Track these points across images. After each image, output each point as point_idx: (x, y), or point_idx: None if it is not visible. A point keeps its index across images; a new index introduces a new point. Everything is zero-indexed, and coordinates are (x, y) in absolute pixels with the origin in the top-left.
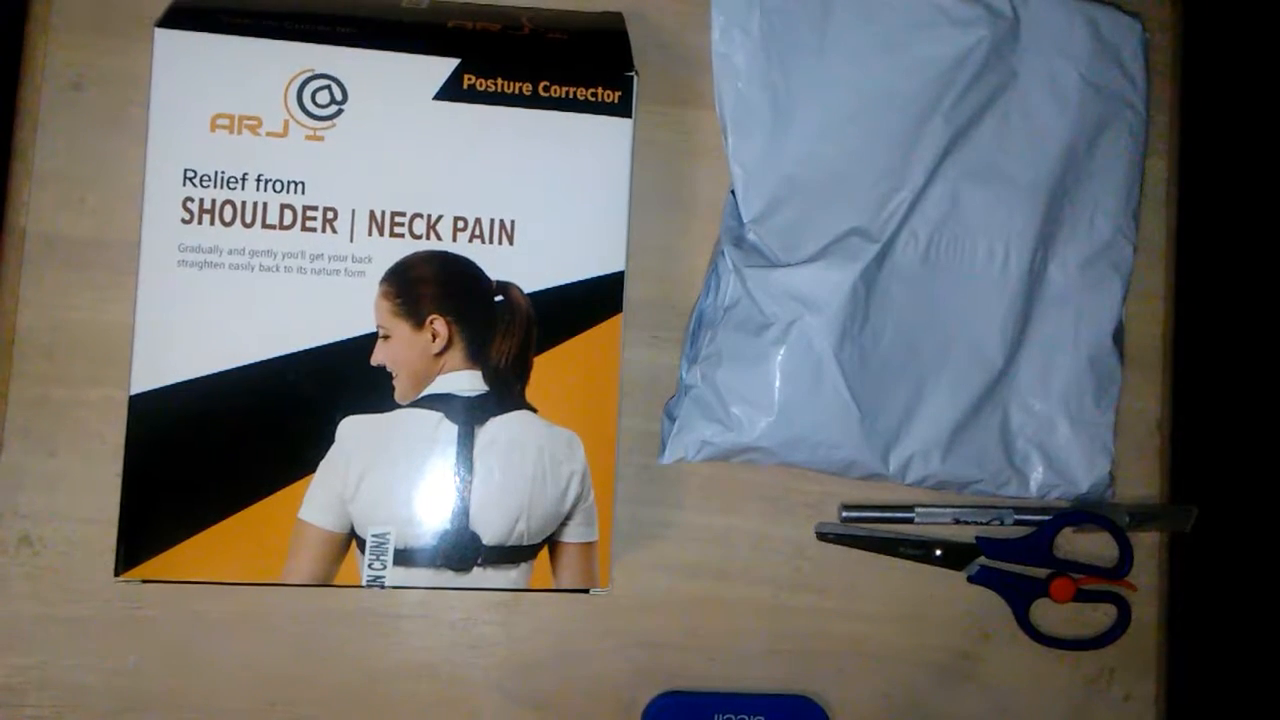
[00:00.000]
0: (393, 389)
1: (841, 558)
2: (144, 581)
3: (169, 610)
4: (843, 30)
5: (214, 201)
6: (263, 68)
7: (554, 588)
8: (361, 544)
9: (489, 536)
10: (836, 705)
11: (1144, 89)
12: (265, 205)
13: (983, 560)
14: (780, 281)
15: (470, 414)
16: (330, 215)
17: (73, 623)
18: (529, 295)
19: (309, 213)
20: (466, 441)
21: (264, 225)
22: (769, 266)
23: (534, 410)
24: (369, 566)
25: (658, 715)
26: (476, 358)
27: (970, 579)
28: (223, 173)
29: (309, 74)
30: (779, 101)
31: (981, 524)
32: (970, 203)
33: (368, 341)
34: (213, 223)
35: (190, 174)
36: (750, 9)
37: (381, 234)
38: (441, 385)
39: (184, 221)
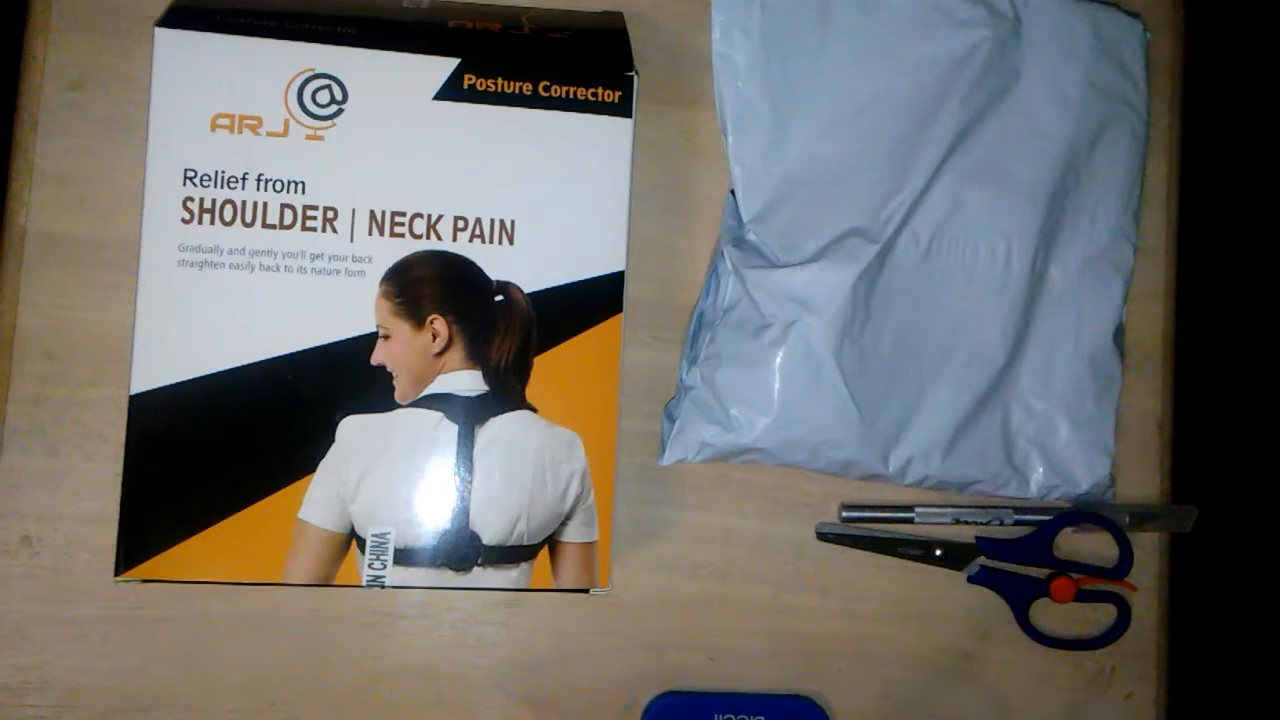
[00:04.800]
0: (393, 389)
1: (841, 558)
2: (144, 581)
3: (169, 610)
4: (843, 30)
5: (214, 201)
6: (263, 67)
7: (554, 588)
8: (361, 544)
9: (489, 536)
10: (836, 705)
11: (1145, 89)
12: (265, 205)
13: (983, 560)
14: (780, 282)
15: (470, 414)
16: (330, 215)
17: (73, 623)
18: (529, 295)
19: (309, 212)
20: (466, 441)
21: (264, 225)
22: (769, 267)
23: (534, 410)
24: (369, 566)
25: (658, 715)
26: (477, 357)
27: (970, 579)
28: (223, 172)
29: (309, 74)
30: (779, 101)
31: (981, 524)
32: (971, 203)
33: (368, 341)
34: (213, 222)
35: (190, 174)
36: (750, 9)
37: (381, 234)
38: (441, 385)
39: (184, 221)
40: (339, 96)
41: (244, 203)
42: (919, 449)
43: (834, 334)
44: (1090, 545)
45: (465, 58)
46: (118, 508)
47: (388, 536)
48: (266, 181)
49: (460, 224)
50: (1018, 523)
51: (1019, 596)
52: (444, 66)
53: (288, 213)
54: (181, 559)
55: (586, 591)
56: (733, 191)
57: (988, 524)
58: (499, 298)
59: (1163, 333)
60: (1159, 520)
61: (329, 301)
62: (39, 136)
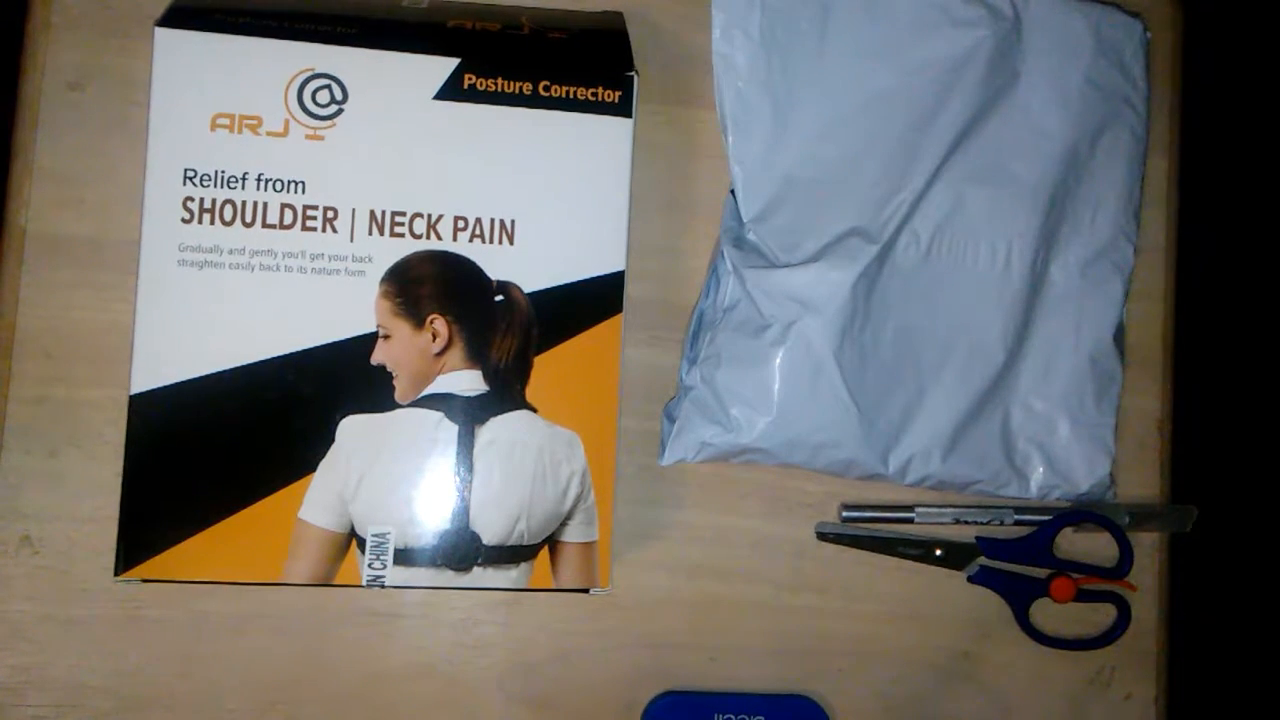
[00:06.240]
0: (393, 389)
1: (841, 558)
2: (144, 581)
3: (169, 610)
4: (843, 30)
5: (214, 201)
6: (263, 67)
7: (554, 588)
8: (361, 544)
9: (489, 536)
10: (836, 705)
11: (1145, 89)
12: (265, 205)
13: (983, 560)
14: (779, 282)
15: (470, 414)
16: (330, 215)
17: (73, 623)
18: (529, 295)
19: (309, 212)
20: (466, 441)
21: (264, 225)
22: (768, 267)
23: (534, 410)
24: (369, 566)
25: (658, 715)
26: (477, 357)
27: (970, 579)
28: (223, 172)
29: (309, 73)
30: (779, 101)
31: (981, 524)
32: (972, 203)
33: (368, 341)
34: (213, 222)
35: (190, 174)
36: (751, 9)
37: (382, 234)
38: (441, 385)
39: (184, 221)
40: (339, 96)
41: (244, 203)
42: (919, 449)
43: (834, 334)
44: (1090, 545)
45: (465, 58)
46: (118, 508)
47: (388, 536)
48: (266, 181)
49: (460, 224)
50: (1018, 523)
51: (1019, 596)
52: (444, 66)
53: (288, 213)
54: (181, 559)
55: (586, 591)
56: (733, 191)
57: (988, 524)
58: (499, 298)
59: (1163, 333)
60: (1159, 520)
61: (329, 301)
62: (39, 136)
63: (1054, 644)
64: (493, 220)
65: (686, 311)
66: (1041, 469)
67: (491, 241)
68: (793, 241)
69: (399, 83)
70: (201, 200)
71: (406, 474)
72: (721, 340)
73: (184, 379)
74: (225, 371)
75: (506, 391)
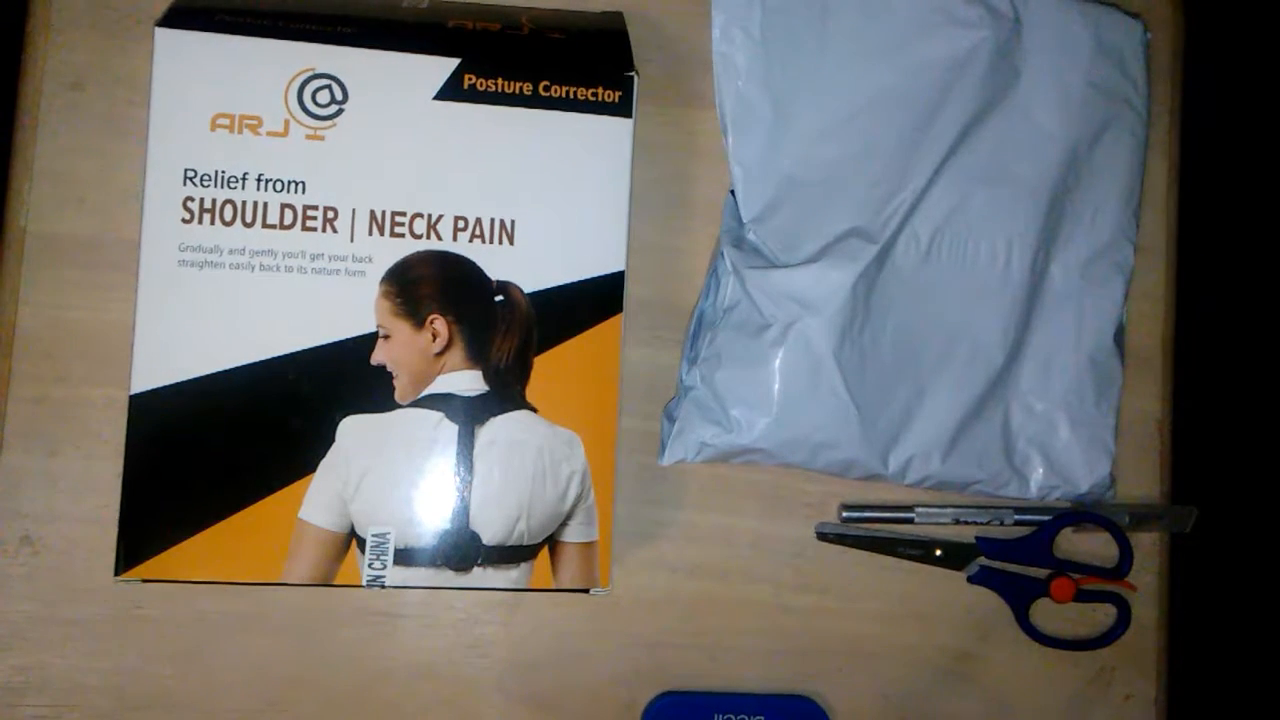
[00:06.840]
0: (393, 389)
1: (841, 558)
2: (144, 581)
3: (169, 610)
4: (843, 30)
5: (214, 201)
6: (263, 67)
7: (554, 588)
8: (361, 544)
9: (489, 536)
10: (836, 705)
11: (1145, 89)
12: (265, 205)
13: (983, 560)
14: (779, 282)
15: (470, 414)
16: (330, 215)
17: (73, 623)
18: (529, 295)
19: (309, 212)
20: (466, 441)
21: (264, 225)
22: (768, 267)
23: (534, 410)
24: (369, 566)
25: (658, 715)
26: (477, 357)
27: (970, 579)
28: (223, 172)
29: (309, 73)
30: (779, 101)
31: (981, 524)
32: (972, 203)
33: (368, 341)
34: (213, 222)
35: (190, 174)
36: (751, 8)
37: (382, 234)
38: (442, 385)
39: (184, 221)
40: (339, 96)
41: (244, 203)
42: (919, 449)
43: (834, 334)
44: (1090, 545)
45: (465, 58)
46: (118, 508)
47: (388, 536)
48: (266, 181)
49: (460, 224)
50: (1018, 523)
51: (1019, 596)
52: (444, 66)
53: (288, 213)
54: (181, 559)
55: (586, 591)
56: (733, 191)
57: (988, 524)
58: (499, 298)
59: (1163, 333)
60: (1159, 520)
61: (329, 301)
62: (39, 136)
63: (1054, 644)
64: (493, 220)
65: (686, 311)
66: (1041, 469)
67: (491, 241)
68: (793, 242)
69: (399, 83)
70: (201, 200)
71: (406, 474)
72: (721, 340)
73: (184, 379)
74: (225, 371)
75: (506, 391)
